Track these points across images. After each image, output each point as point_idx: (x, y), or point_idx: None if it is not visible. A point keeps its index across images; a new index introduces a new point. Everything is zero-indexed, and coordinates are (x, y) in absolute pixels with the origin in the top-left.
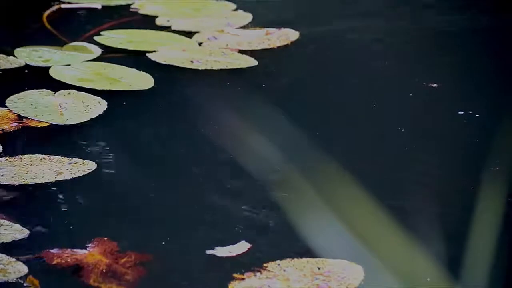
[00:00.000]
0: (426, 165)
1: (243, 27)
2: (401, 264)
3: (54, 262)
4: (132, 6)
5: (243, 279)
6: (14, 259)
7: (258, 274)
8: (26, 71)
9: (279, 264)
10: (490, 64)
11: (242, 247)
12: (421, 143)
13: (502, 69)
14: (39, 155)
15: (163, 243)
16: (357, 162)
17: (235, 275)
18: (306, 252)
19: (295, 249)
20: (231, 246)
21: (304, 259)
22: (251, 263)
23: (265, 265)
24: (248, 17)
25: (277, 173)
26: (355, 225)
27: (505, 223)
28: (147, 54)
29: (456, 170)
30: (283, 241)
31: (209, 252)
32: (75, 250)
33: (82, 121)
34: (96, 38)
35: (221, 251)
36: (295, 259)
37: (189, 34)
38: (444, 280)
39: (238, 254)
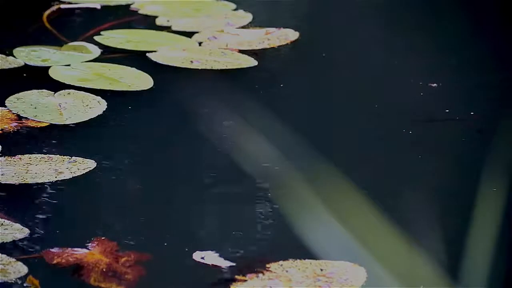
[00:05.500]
0: (427, 166)
1: (243, 27)
2: (403, 266)
3: (54, 262)
4: (132, 6)
5: (245, 280)
6: (14, 259)
7: (260, 275)
8: (25, 74)
9: (281, 265)
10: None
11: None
12: (422, 144)
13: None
14: (39, 154)
15: (164, 243)
16: (358, 163)
17: (237, 276)
18: (308, 254)
19: (297, 251)
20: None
21: (307, 261)
22: (253, 264)
23: (267, 266)
24: (248, 17)
25: (277, 174)
26: (356, 228)
27: (505, 224)
28: (147, 54)
29: (456, 171)
30: (284, 243)
31: (208, 255)
32: (75, 249)
33: (81, 121)
34: (96, 38)
35: (212, 258)
36: (298, 260)
37: (189, 34)
38: (444, 281)
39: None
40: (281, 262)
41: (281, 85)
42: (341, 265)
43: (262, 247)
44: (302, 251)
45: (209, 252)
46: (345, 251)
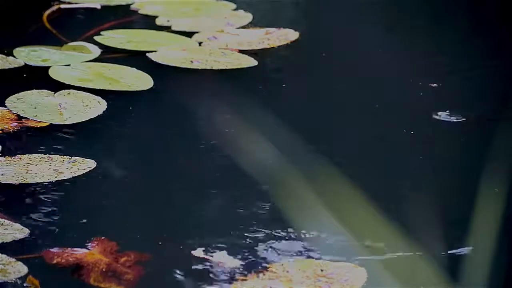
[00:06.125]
0: (427, 166)
1: (243, 27)
2: (403, 266)
3: (54, 262)
4: (132, 6)
5: (245, 280)
6: (14, 259)
7: (260, 275)
8: (25, 75)
9: (282, 265)
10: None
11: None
12: (422, 143)
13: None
14: (39, 154)
15: (163, 243)
16: (358, 163)
17: (237, 276)
18: (308, 254)
19: (297, 251)
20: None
21: (308, 261)
22: (253, 264)
23: (268, 266)
24: (248, 17)
25: (277, 174)
26: (357, 228)
27: (505, 224)
28: (147, 54)
29: (456, 171)
30: (284, 243)
31: (208, 255)
32: (75, 249)
33: (81, 121)
34: (96, 38)
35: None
36: (299, 261)
37: (189, 34)
38: (444, 281)
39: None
40: (281, 262)
41: (282, 85)
42: (342, 265)
43: (262, 246)
44: (303, 251)
45: (209, 251)
46: (345, 251)
